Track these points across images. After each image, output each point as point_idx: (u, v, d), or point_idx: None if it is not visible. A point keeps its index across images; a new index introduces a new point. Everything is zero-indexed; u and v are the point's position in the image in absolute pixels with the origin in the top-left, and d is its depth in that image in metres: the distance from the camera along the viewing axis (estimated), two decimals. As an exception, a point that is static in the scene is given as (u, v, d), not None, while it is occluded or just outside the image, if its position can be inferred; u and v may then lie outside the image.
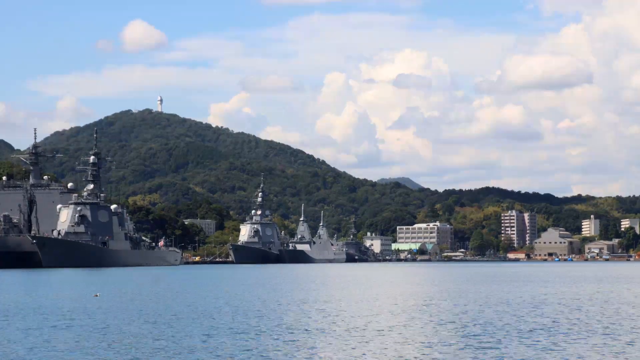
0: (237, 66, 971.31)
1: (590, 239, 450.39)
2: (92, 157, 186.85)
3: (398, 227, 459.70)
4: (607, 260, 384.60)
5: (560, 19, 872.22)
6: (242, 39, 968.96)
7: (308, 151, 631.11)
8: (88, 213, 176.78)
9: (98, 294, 62.74)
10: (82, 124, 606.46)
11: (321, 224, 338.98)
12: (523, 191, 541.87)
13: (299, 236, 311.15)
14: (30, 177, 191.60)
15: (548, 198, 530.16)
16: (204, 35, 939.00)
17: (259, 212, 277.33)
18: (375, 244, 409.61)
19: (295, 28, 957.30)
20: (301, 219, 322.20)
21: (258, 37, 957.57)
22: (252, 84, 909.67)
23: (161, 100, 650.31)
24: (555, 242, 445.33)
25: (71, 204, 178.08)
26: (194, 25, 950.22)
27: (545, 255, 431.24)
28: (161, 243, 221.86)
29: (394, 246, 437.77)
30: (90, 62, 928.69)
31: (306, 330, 36.41)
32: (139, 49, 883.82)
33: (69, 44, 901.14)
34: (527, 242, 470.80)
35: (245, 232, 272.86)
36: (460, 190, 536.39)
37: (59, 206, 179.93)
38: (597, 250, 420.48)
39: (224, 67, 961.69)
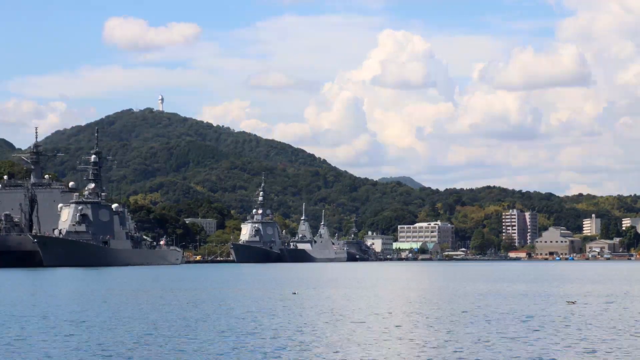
0: (220, 67, 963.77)
1: (591, 238, 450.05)
2: (93, 156, 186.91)
3: (399, 226, 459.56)
4: (608, 259, 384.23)
5: (552, 15, 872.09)
6: (217, 39, 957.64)
7: (309, 150, 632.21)
8: (89, 212, 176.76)
9: (296, 292, 62.14)
10: (83, 123, 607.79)
11: (322, 223, 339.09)
12: (524, 190, 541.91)
13: (300, 235, 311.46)
14: (32, 176, 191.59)
15: (549, 197, 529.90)
16: (176, 35, 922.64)
17: (260, 211, 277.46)
18: (376, 243, 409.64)
19: (269, 29, 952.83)
20: (302, 218, 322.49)
21: (232, 38, 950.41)
22: (246, 84, 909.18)
23: (162, 100, 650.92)
24: (557, 241, 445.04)
25: (72, 203, 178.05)
26: (164, 23, 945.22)
27: (546, 254, 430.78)
28: (162, 242, 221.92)
29: (395, 245, 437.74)
30: (74, 60, 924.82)
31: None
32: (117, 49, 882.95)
33: (55, 43, 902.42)
34: (528, 241, 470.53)
35: (246, 232, 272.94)
36: (461, 189, 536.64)
37: (60, 205, 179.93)
38: (598, 250, 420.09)
39: (203, 68, 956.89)
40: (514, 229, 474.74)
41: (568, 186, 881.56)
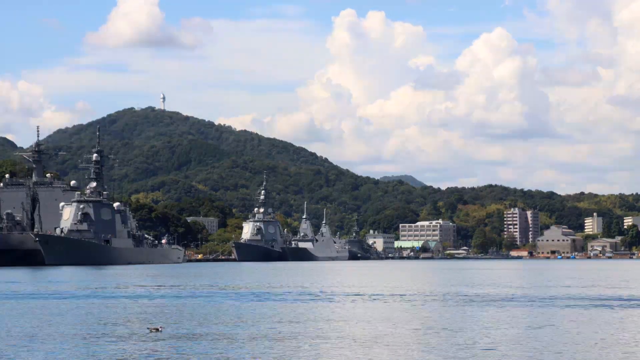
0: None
1: (593, 237, 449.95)
2: (94, 155, 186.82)
3: (401, 224, 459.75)
4: (610, 258, 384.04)
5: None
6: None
7: (311, 149, 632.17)
8: (91, 211, 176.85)
9: None
10: (84, 122, 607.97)
11: (324, 221, 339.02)
12: (526, 189, 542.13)
13: (302, 234, 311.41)
14: (33, 175, 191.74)
15: (551, 195, 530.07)
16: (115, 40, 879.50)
17: (261, 210, 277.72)
18: (377, 242, 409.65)
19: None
20: (304, 216, 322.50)
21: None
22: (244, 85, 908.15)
23: (164, 98, 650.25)
24: (558, 240, 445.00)
25: (74, 201, 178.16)
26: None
27: (548, 253, 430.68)
28: (164, 241, 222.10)
29: (396, 244, 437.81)
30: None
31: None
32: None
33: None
34: (530, 240, 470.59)
35: (247, 230, 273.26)
36: (463, 188, 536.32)
37: (61, 204, 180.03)
38: (599, 248, 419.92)
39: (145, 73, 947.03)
40: (516, 228, 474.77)
41: (570, 185, 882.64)
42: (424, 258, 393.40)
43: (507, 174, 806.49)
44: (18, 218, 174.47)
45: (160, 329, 34.69)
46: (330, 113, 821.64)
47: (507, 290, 65.55)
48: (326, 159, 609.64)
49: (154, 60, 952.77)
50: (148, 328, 35.37)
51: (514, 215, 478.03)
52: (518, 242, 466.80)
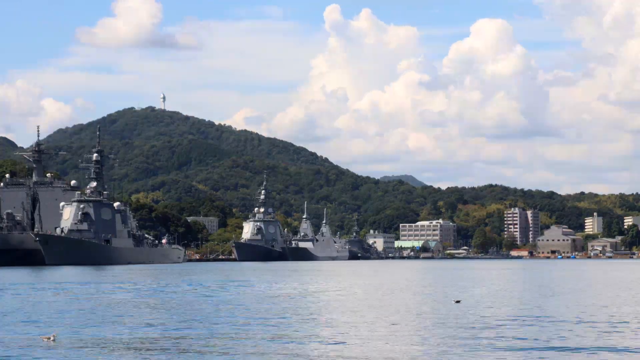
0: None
1: (593, 237, 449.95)
2: (95, 155, 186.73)
3: (401, 224, 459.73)
4: (610, 257, 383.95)
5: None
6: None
7: (311, 148, 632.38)
8: (91, 211, 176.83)
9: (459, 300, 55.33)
10: (85, 122, 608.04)
11: (324, 221, 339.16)
12: (526, 188, 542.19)
13: (302, 234, 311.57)
14: (34, 175, 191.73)
15: (551, 195, 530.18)
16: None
17: (261, 210, 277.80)
18: (378, 242, 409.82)
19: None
20: (304, 216, 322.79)
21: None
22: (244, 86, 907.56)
23: (164, 98, 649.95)
24: (558, 240, 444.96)
25: (74, 201, 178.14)
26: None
27: (548, 252, 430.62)
28: (164, 241, 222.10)
29: (396, 244, 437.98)
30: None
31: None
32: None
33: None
34: (530, 240, 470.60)
35: (248, 230, 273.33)
36: (463, 188, 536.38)
37: (62, 204, 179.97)
38: (600, 248, 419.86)
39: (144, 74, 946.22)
40: (516, 228, 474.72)
41: (570, 184, 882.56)
42: (424, 258, 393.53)
43: (507, 174, 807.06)
44: (18, 218, 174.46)
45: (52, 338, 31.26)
46: (330, 112, 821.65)
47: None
48: (326, 159, 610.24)
49: (154, 60, 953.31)
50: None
51: (514, 215, 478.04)
52: (518, 242, 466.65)
